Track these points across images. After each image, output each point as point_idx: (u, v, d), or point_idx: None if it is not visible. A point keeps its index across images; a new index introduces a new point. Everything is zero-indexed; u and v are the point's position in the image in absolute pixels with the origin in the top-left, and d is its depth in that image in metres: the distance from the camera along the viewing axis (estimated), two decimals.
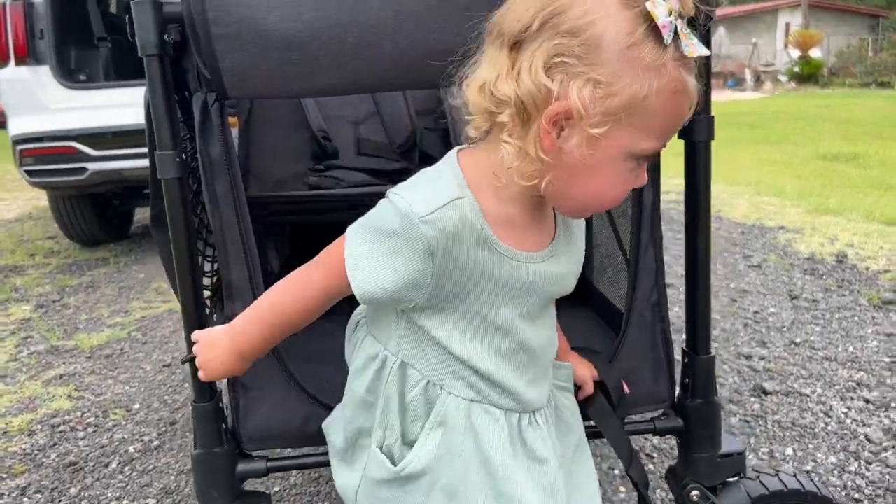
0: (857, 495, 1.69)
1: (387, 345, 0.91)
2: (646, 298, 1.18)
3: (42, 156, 3.88)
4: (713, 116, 1.07)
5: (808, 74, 23.01)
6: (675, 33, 0.72)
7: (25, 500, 1.84)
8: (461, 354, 0.86)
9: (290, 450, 1.31)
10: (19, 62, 3.92)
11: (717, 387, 2.25)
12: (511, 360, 0.89)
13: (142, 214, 5.33)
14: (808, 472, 1.77)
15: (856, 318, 2.83)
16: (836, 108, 13.23)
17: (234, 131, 1.67)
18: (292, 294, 0.92)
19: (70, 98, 3.91)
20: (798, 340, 2.63)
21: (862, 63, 23.32)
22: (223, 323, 1.14)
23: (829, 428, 2.00)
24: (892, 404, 2.11)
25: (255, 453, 1.16)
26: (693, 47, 0.73)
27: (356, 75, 0.99)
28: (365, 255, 0.82)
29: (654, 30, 0.72)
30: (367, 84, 1.02)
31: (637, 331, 1.19)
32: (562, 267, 0.90)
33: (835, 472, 1.79)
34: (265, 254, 1.79)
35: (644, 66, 0.72)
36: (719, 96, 18.80)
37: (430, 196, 0.80)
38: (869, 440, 1.92)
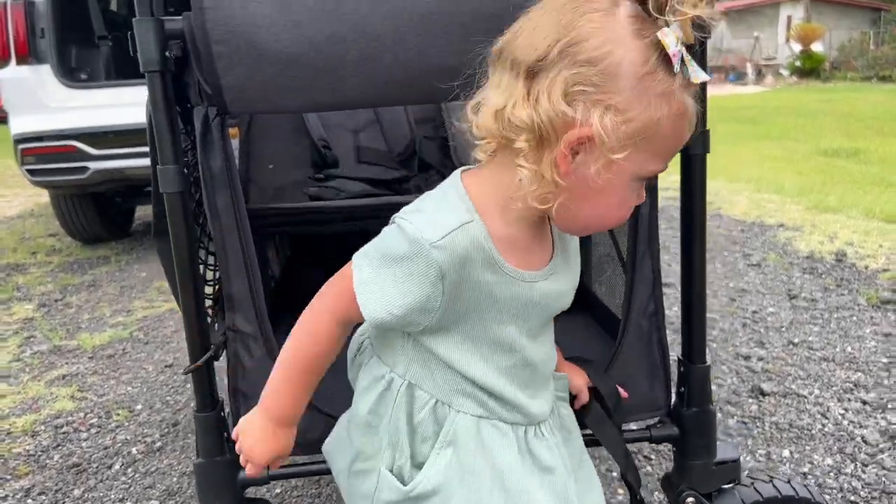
0: (853, 497, 1.70)
1: (394, 367, 0.92)
2: (642, 308, 1.20)
3: (43, 155, 3.90)
4: (708, 130, 1.09)
5: (809, 68, 22.97)
6: (682, 61, 0.76)
7: (30, 501, 1.86)
8: (469, 373, 0.88)
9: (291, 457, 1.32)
10: (20, 61, 3.93)
11: (716, 387, 2.28)
12: (515, 376, 0.91)
13: (143, 212, 5.35)
14: (803, 475, 1.79)
15: (854, 318, 2.84)
16: (838, 102, 13.22)
17: (235, 142, 1.68)
18: (308, 335, 0.92)
19: (71, 97, 3.92)
20: (796, 340, 2.65)
21: (863, 57, 23.27)
22: (225, 331, 1.17)
23: (826, 429, 2.02)
24: (890, 405, 2.13)
25: None
26: (697, 73, 0.77)
27: (356, 91, 1.00)
28: (374, 282, 0.83)
29: (664, 58, 0.75)
30: (366, 99, 1.03)
31: (633, 339, 1.20)
32: (561, 284, 0.92)
33: (831, 474, 1.80)
34: (265, 257, 1.80)
35: (656, 93, 0.75)
36: (721, 90, 18.78)
37: (439, 221, 0.81)
38: (866, 442, 1.94)
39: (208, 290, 1.31)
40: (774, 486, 1.22)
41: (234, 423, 1.16)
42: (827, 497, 1.70)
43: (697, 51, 0.81)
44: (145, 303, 3.52)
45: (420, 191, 1.75)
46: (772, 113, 11.64)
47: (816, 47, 23.58)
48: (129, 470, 1.98)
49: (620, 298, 1.41)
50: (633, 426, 1.26)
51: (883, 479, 1.77)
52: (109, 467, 2.00)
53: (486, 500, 0.88)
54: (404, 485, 0.91)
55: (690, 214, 1.15)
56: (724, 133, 8.58)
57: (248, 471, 0.98)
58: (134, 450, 2.09)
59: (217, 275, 1.32)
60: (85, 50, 4.34)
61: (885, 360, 2.44)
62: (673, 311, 2.79)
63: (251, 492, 1.18)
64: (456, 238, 0.80)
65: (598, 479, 1.05)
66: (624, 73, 0.74)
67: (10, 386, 2.59)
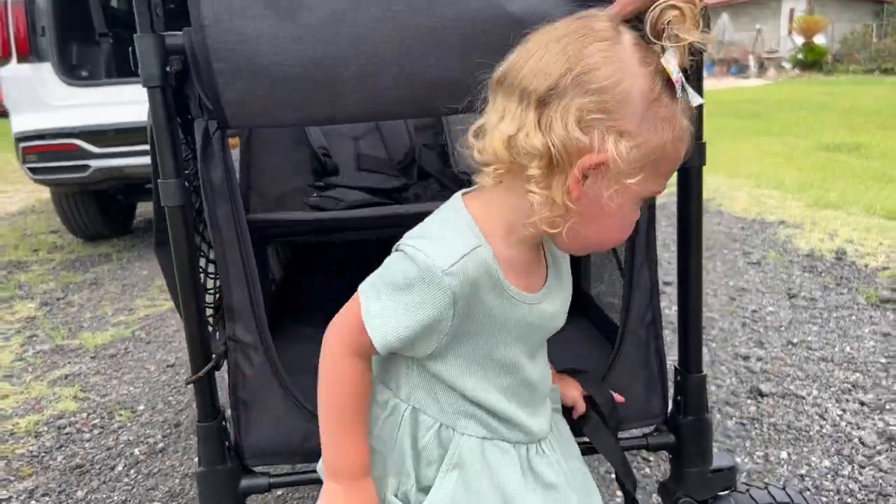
0: (849, 500, 1.72)
1: (397, 392, 0.93)
2: (640, 317, 1.21)
3: (45, 153, 3.91)
4: (705, 143, 1.10)
5: (811, 61, 22.90)
6: (682, 86, 0.79)
7: (33, 502, 1.88)
8: (473, 395, 0.89)
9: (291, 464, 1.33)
10: (21, 59, 3.93)
11: (715, 388, 2.29)
12: (517, 395, 0.93)
13: (144, 208, 5.36)
14: (801, 477, 1.80)
15: (853, 318, 2.85)
16: (840, 95, 13.19)
17: (235, 153, 1.69)
18: (335, 385, 0.89)
19: (72, 95, 3.93)
20: (795, 340, 2.66)
21: (866, 49, 23.19)
22: (226, 341, 1.18)
23: (823, 431, 2.03)
24: (887, 406, 2.14)
25: (258, 469, 1.19)
26: (694, 98, 0.80)
27: (355, 106, 1.01)
28: (385, 313, 0.83)
29: (668, 84, 0.78)
30: (365, 114, 1.04)
31: (631, 349, 1.22)
32: (557, 304, 0.94)
33: (828, 476, 1.82)
34: (265, 261, 1.81)
35: (662, 117, 0.79)
36: (723, 83, 18.74)
37: (448, 246, 0.82)
38: (863, 443, 1.95)
39: (209, 298, 1.32)
40: (769, 492, 1.23)
41: (235, 431, 1.17)
42: (824, 500, 1.72)
43: (693, 74, 0.84)
44: (147, 301, 3.53)
45: (419, 199, 1.78)
46: (773, 107, 11.61)
47: (819, 40, 23.50)
48: (132, 471, 2.00)
49: (618, 301, 1.43)
50: (629, 433, 1.27)
51: (880, 481, 1.78)
52: (112, 468, 2.02)
53: None
54: None
55: (687, 225, 1.16)
56: (725, 128, 8.58)
57: None
58: (136, 451, 2.10)
59: (217, 282, 1.33)
60: (85, 47, 4.35)
61: (883, 361, 2.45)
62: (672, 309, 2.79)
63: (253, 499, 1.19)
64: (467, 263, 0.81)
65: (596, 489, 1.07)
66: (634, 100, 0.77)
67: (13, 386, 2.60)
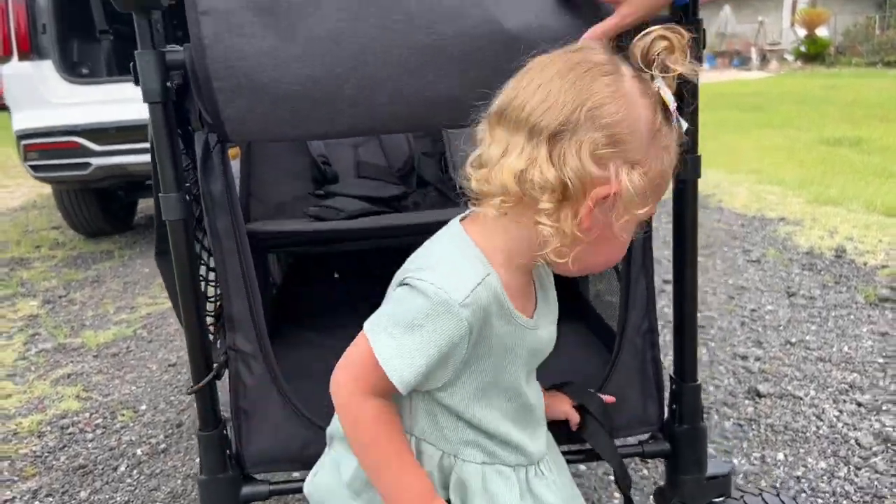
0: (845, 502, 1.73)
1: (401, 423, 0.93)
2: (637, 326, 1.22)
3: (46, 151, 3.92)
4: (700, 156, 1.11)
5: (814, 53, 22.79)
6: (677, 119, 0.82)
7: (37, 503, 1.90)
8: (479, 422, 0.90)
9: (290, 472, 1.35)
10: (22, 57, 3.94)
11: (713, 388, 2.31)
12: (516, 419, 0.94)
13: (145, 205, 5.37)
14: (797, 479, 1.82)
15: (852, 317, 2.86)
16: (842, 88, 13.14)
17: (236, 163, 1.70)
18: (364, 432, 0.86)
19: (73, 93, 3.94)
20: (794, 340, 2.67)
21: (869, 42, 23.09)
22: (226, 350, 1.19)
23: (820, 432, 2.04)
24: (884, 407, 2.15)
25: (259, 476, 1.20)
26: (682, 125, 0.84)
27: (353, 121, 1.02)
28: (399, 353, 0.81)
29: (665, 113, 0.81)
30: (363, 129, 1.06)
31: (628, 357, 1.23)
32: (548, 327, 0.96)
33: (824, 477, 1.83)
34: (266, 266, 1.82)
35: (662, 146, 0.82)
36: (725, 76, 18.68)
37: (460, 277, 0.82)
38: (859, 445, 1.96)
39: (209, 305, 1.33)
40: (763, 499, 1.25)
41: (236, 439, 1.19)
42: (819, 502, 1.73)
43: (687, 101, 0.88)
44: (148, 299, 3.55)
45: (418, 207, 1.79)
46: (775, 100, 11.58)
47: (821, 32, 23.39)
48: (135, 472, 2.02)
49: (617, 300, 1.44)
50: (626, 441, 1.29)
51: (875, 482, 1.79)
52: (115, 469, 2.04)
53: None
54: None
55: (682, 236, 1.17)
56: (726, 121, 8.57)
57: None
58: (139, 451, 2.12)
59: (218, 291, 1.35)
60: (86, 44, 4.35)
61: (880, 361, 2.46)
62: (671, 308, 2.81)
63: None
64: (480, 293, 0.82)
65: (581, 497, 1.08)
66: (641, 132, 0.79)
67: (16, 385, 2.62)
